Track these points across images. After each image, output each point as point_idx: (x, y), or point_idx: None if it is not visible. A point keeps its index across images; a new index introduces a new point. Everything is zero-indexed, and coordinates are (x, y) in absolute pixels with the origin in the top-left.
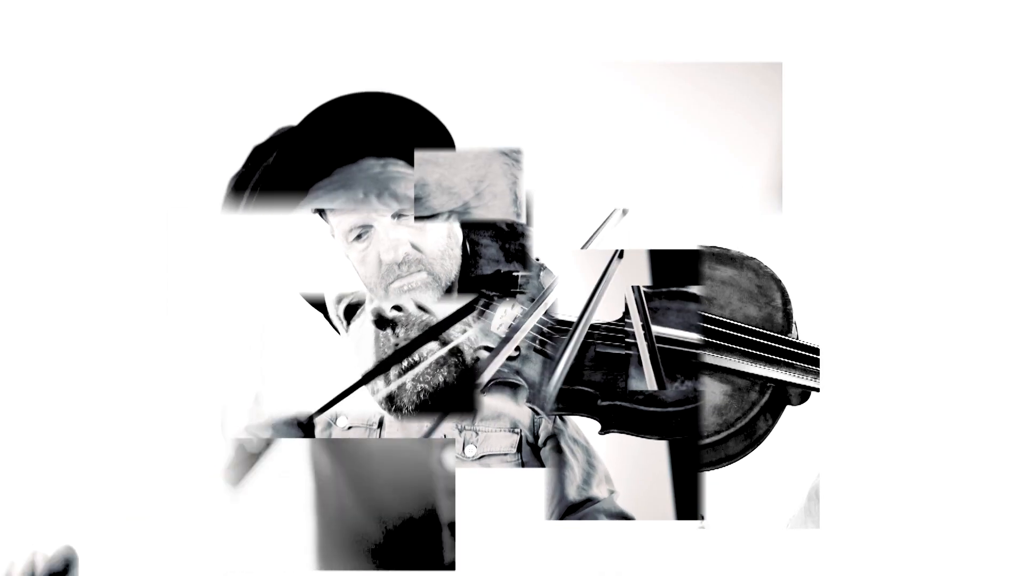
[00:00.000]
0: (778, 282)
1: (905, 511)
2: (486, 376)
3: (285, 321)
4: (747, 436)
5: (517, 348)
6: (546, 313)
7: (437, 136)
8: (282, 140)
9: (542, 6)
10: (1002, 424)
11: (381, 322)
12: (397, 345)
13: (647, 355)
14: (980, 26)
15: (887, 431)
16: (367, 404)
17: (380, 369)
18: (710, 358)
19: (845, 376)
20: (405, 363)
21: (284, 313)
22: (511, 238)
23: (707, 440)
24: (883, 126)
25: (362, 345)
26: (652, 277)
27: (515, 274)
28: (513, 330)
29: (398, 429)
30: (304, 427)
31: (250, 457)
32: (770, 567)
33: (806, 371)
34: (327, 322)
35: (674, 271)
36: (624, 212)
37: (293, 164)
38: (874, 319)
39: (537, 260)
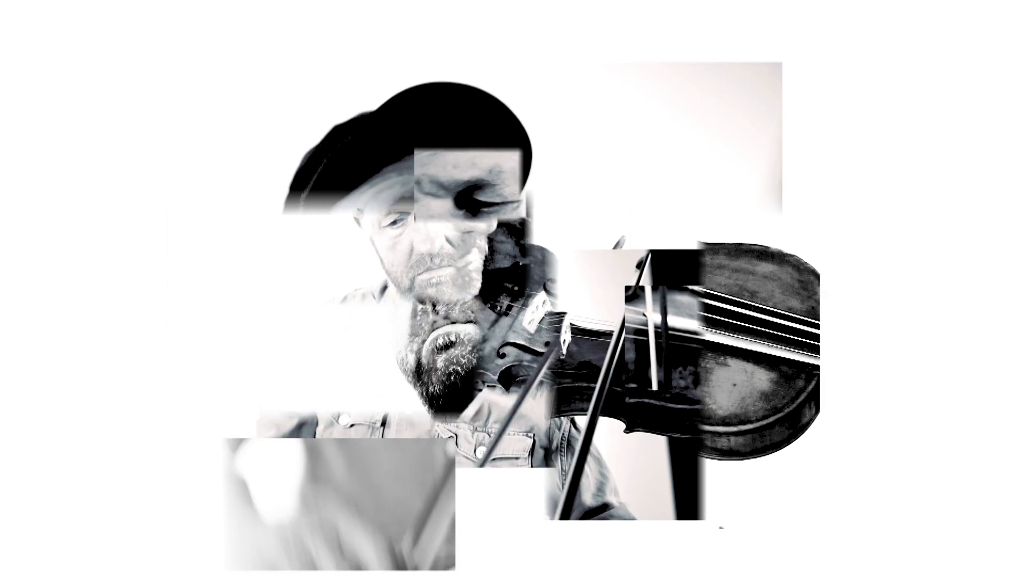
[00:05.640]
0: (819, 276)
1: (907, 509)
2: (487, 451)
3: (288, 319)
4: (791, 424)
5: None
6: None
7: (515, 134)
8: (360, 123)
9: (544, 7)
10: (1002, 413)
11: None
12: (435, 323)
13: (654, 355)
14: (980, 26)
15: (886, 425)
16: (371, 401)
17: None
18: (757, 345)
19: (846, 374)
20: (441, 341)
21: (288, 311)
22: (524, 235)
23: (752, 426)
24: (883, 125)
25: (399, 314)
26: (652, 276)
27: (531, 267)
28: (525, 387)
29: (399, 426)
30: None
31: None
32: (771, 566)
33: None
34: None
35: (674, 270)
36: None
37: (369, 146)
38: (873, 315)
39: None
